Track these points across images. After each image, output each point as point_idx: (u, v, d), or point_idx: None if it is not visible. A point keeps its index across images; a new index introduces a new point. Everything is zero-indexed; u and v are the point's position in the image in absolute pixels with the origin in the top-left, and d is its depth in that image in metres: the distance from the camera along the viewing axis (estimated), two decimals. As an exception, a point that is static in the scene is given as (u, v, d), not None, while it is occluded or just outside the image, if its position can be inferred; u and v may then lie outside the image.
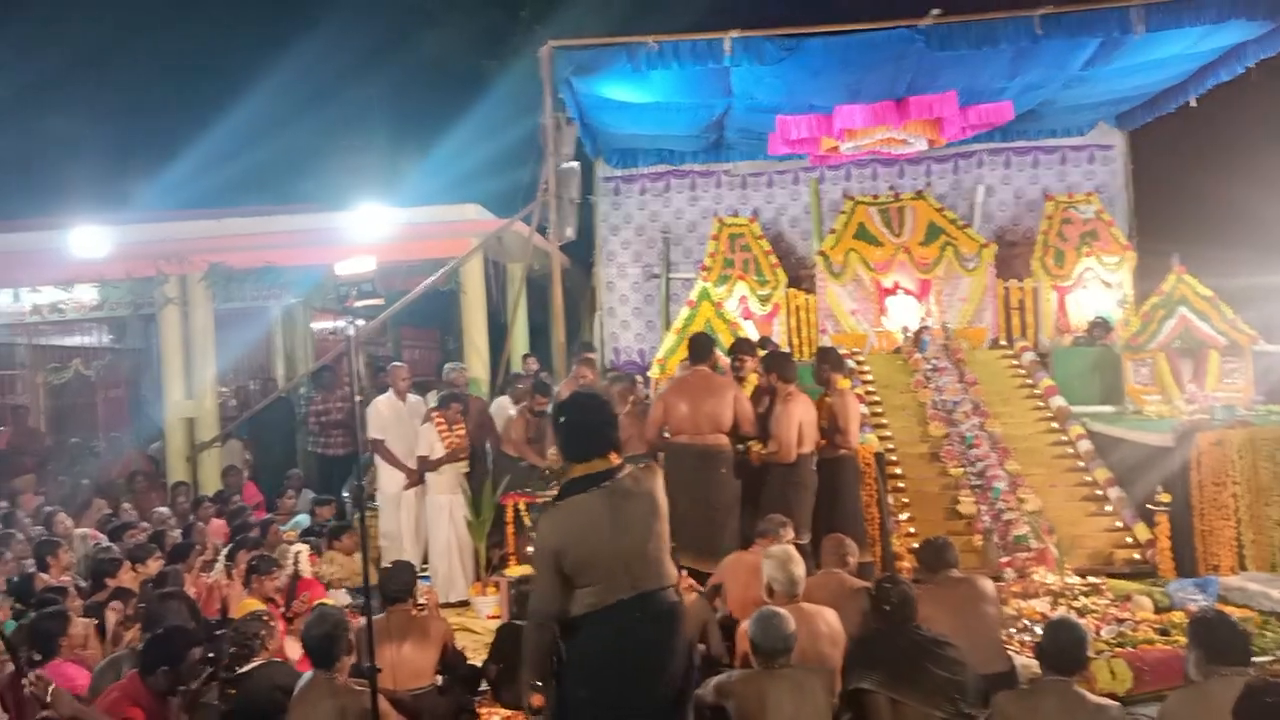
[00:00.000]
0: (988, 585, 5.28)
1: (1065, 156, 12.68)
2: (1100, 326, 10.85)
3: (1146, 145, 12.78)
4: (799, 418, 6.92)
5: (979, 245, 11.42)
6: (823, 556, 5.74)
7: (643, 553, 3.69)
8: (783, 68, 9.19)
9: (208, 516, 9.00)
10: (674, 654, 3.71)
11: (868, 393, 9.68)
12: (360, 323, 4.48)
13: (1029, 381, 9.90)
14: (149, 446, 12.25)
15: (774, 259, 11.99)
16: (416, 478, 8.48)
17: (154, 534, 8.02)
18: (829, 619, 4.79)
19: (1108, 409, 9.45)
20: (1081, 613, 6.38)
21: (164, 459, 11.45)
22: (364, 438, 8.42)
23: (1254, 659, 4.72)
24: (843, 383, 7.64)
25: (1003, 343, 11.16)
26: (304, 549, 7.08)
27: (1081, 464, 8.65)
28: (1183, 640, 5.83)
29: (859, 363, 10.29)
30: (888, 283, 11.44)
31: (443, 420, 8.41)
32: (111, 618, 5.86)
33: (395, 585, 5.56)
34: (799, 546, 5.60)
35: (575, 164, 10.43)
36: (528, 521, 7.87)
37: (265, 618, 5.18)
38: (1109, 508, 8.16)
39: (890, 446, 8.84)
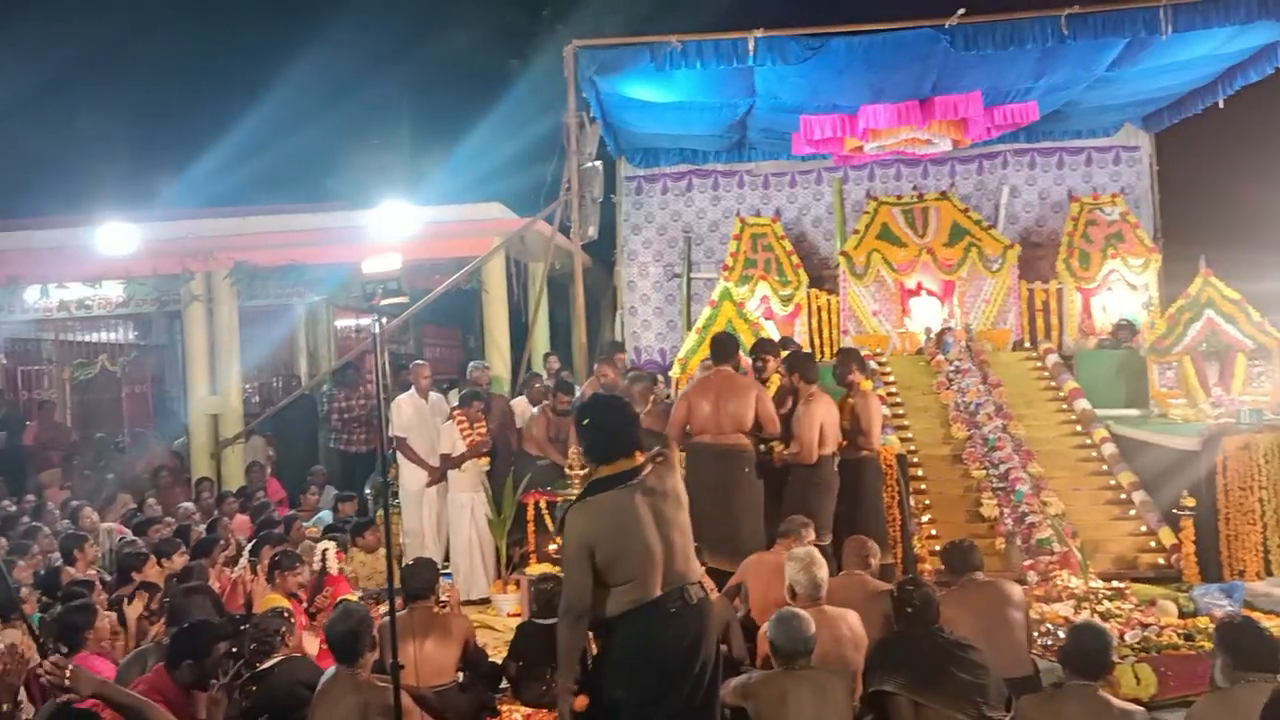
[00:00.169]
0: (1014, 589, 5.24)
1: (1091, 157, 12.59)
2: (1125, 329, 10.77)
3: (1173, 147, 12.67)
4: (821, 418, 6.90)
5: (1003, 246, 11.36)
6: (845, 558, 5.72)
7: (672, 548, 3.74)
8: (807, 67, 9.17)
9: (231, 512, 9.06)
10: (706, 647, 3.76)
11: (890, 394, 9.65)
12: (384, 320, 4.49)
13: (1053, 384, 9.84)
14: (173, 442, 12.35)
15: (796, 259, 11.96)
16: (438, 475, 8.51)
17: (179, 529, 8.08)
18: (852, 622, 4.78)
19: (1132, 412, 9.38)
20: (1105, 617, 6.34)
21: (188, 455, 11.55)
22: (387, 435, 8.45)
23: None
24: (865, 384, 7.61)
25: (1026, 345, 11.10)
26: (331, 546, 7.12)
27: (1106, 467, 8.58)
28: (1208, 646, 5.81)
29: (881, 364, 10.25)
30: (911, 284, 11.40)
31: (464, 418, 8.44)
32: (132, 614, 5.90)
33: (417, 583, 5.59)
34: (820, 548, 5.58)
35: (598, 163, 10.45)
36: (549, 520, 7.89)
37: (285, 614, 5.21)
38: (1133, 512, 8.10)
39: (912, 448, 8.80)
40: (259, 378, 14.76)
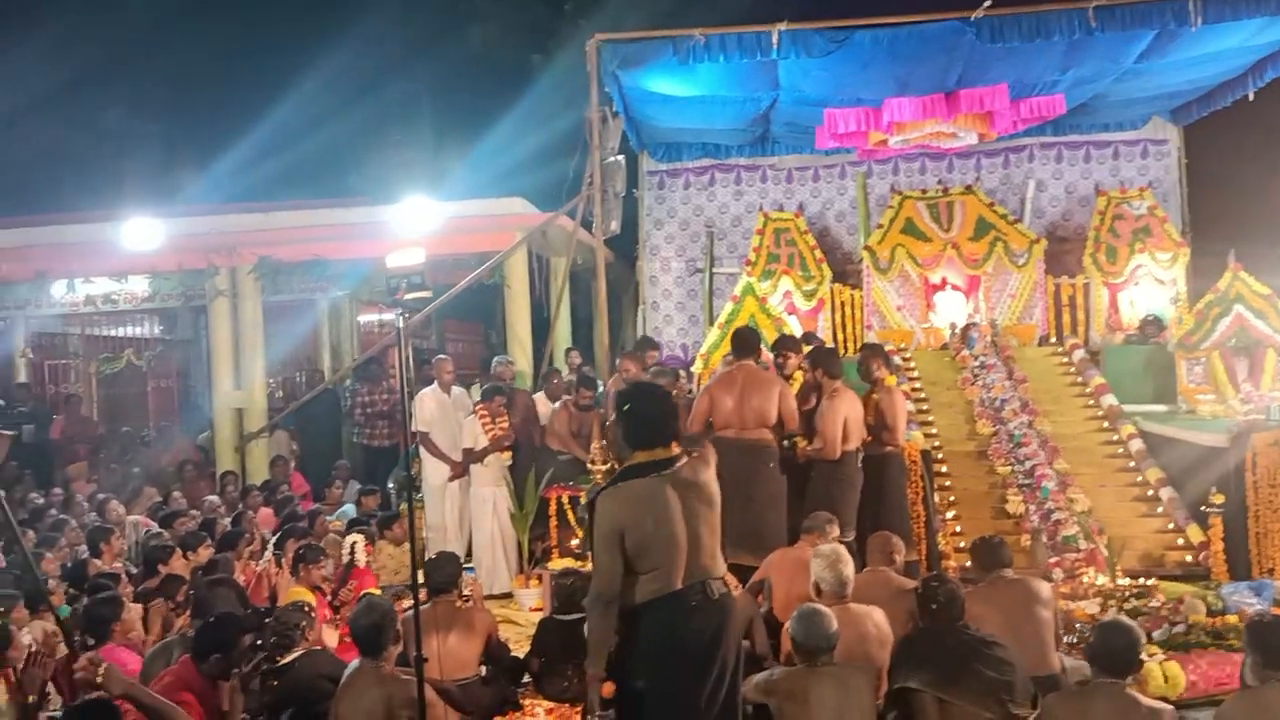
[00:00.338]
0: (1042, 587, 5.19)
1: (1118, 151, 12.46)
2: (1153, 324, 10.67)
3: (1202, 140, 12.52)
4: (844, 414, 6.86)
5: (1029, 241, 11.27)
6: (869, 554, 5.69)
7: (697, 542, 3.75)
8: (831, 60, 9.11)
9: (256, 505, 9.12)
10: (727, 643, 3.75)
11: (914, 389, 9.59)
12: (407, 315, 4.51)
13: (1079, 380, 9.75)
14: (198, 436, 12.44)
15: (819, 254, 11.90)
16: (461, 470, 8.53)
17: (204, 522, 8.14)
18: (877, 620, 4.75)
19: (1160, 408, 9.29)
20: (1132, 615, 6.26)
21: (213, 448, 11.63)
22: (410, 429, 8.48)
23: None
24: (889, 379, 7.57)
25: (1052, 340, 11.01)
26: (360, 539, 7.18)
27: (1133, 464, 8.50)
28: (1237, 644, 5.75)
29: (905, 359, 10.20)
30: (935, 278, 11.33)
31: (486, 413, 8.46)
32: (156, 618, 5.93)
33: (440, 576, 5.60)
34: (843, 544, 5.55)
35: (620, 158, 10.42)
36: (570, 515, 7.89)
37: (305, 607, 5.23)
38: (1161, 509, 8.02)
39: (936, 444, 8.75)
40: (283, 372, 14.84)
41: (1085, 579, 6.94)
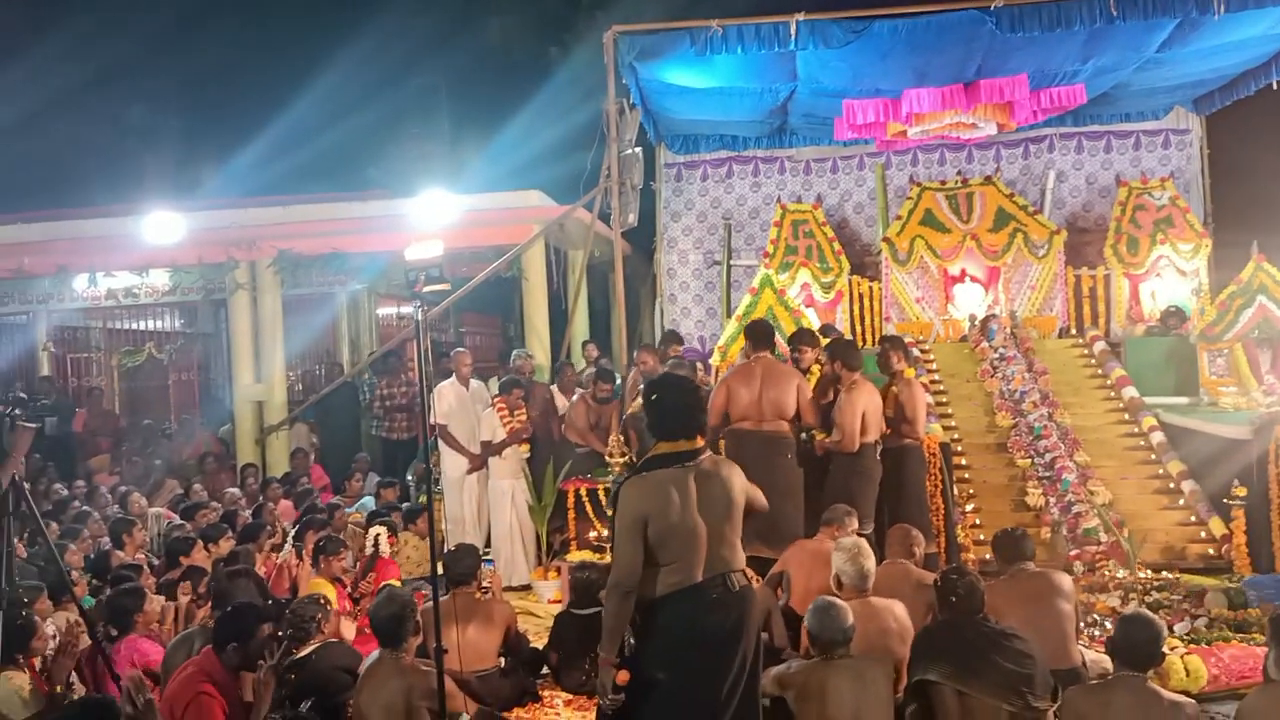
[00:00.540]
0: (1063, 580, 5.17)
1: (1139, 141, 12.37)
2: (1175, 315, 10.59)
3: (1224, 129, 12.41)
4: (863, 406, 6.83)
5: (1049, 232, 11.20)
6: (889, 546, 5.67)
7: (720, 534, 3.75)
8: (849, 51, 9.07)
9: (276, 498, 9.16)
10: (747, 636, 3.75)
11: (933, 382, 9.55)
12: (426, 307, 4.53)
13: (1100, 371, 9.69)
14: (219, 429, 12.51)
15: (838, 246, 11.87)
16: (479, 462, 8.55)
17: (225, 514, 8.19)
18: (898, 614, 4.73)
19: (1181, 400, 9.23)
20: (1154, 608, 6.24)
21: (233, 441, 11.70)
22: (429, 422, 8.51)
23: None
24: (908, 372, 7.54)
25: (1073, 332, 10.95)
26: (383, 530, 7.23)
27: (1154, 456, 8.45)
28: (1259, 638, 5.72)
29: (924, 351, 10.16)
30: (954, 270, 11.27)
31: (504, 405, 8.47)
32: (182, 599, 5.99)
33: (460, 568, 5.63)
34: (862, 537, 5.54)
35: (638, 150, 10.40)
36: (589, 507, 7.91)
37: (321, 600, 5.26)
38: (1182, 501, 7.97)
39: (956, 436, 8.72)
40: (302, 365, 14.91)
41: (1106, 572, 6.91)
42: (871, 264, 12.00)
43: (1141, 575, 6.86)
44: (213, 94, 20.26)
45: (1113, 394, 9.33)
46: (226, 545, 7.04)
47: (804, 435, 7.08)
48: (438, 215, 11.15)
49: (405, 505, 8.78)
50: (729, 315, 10.92)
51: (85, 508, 8.60)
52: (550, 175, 13.64)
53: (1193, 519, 7.81)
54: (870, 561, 4.85)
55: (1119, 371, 9.52)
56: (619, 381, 9.12)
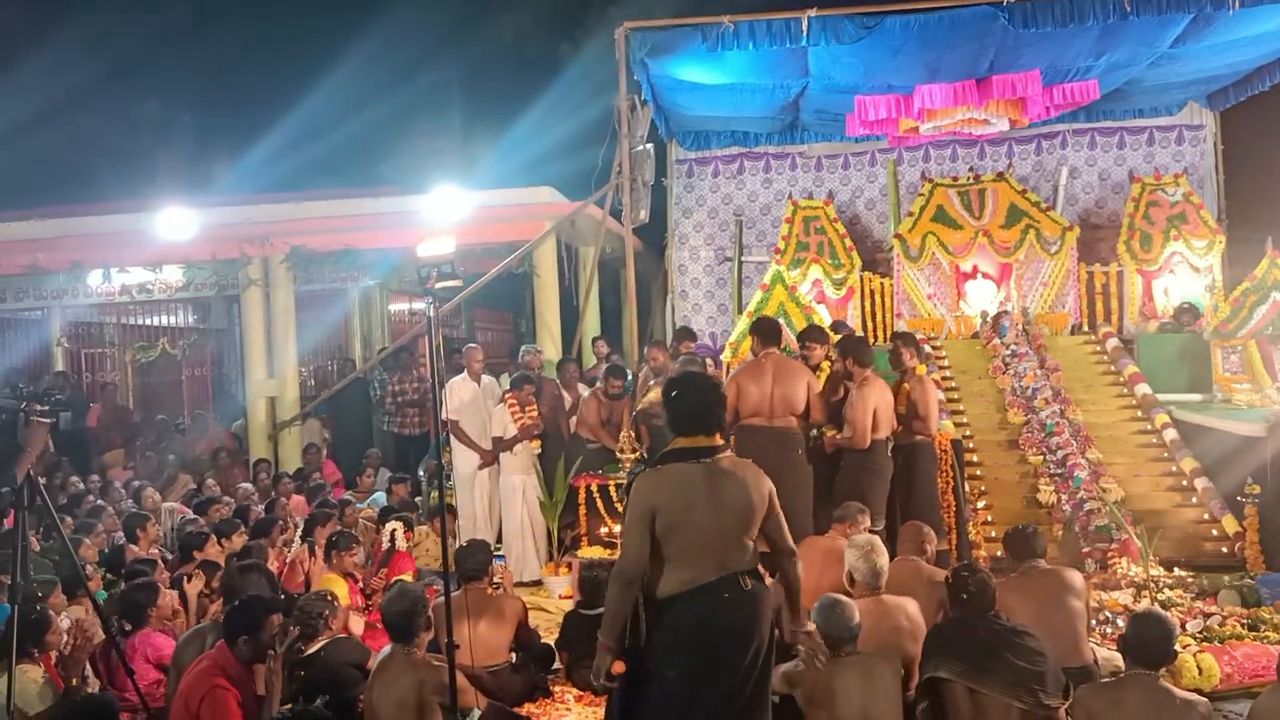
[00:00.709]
0: (1075, 577, 5.16)
1: (1153, 137, 12.30)
2: (1188, 312, 10.54)
3: (1238, 125, 12.33)
4: (874, 403, 6.83)
5: (1062, 228, 11.16)
6: (900, 543, 5.67)
7: (732, 534, 3.74)
8: (861, 47, 9.05)
9: (288, 493, 9.20)
10: (759, 635, 3.75)
11: (944, 379, 9.53)
12: (438, 303, 4.56)
13: (1113, 369, 9.66)
14: (232, 424, 12.57)
15: (849, 242, 11.84)
16: (491, 458, 8.57)
17: (238, 509, 8.22)
18: (910, 612, 4.72)
19: (1195, 397, 9.19)
20: (1166, 606, 6.22)
21: (246, 436, 11.75)
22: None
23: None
24: (920, 368, 7.53)
25: (1085, 329, 10.90)
26: (399, 526, 7.26)
27: (1167, 454, 8.42)
28: (1273, 636, 5.70)
29: (935, 348, 10.13)
30: (966, 266, 11.24)
31: (515, 402, 8.49)
32: (191, 592, 6.01)
33: (471, 564, 5.64)
34: (873, 534, 5.54)
35: (649, 146, 10.41)
36: (600, 503, 7.92)
37: (329, 596, 5.28)
38: (1195, 499, 7.94)
39: (967, 433, 8.70)
40: (314, 361, 14.97)
41: (1119, 569, 6.89)
42: (883, 260, 11.97)
43: (1154, 573, 6.83)
44: (225, 90, 20.35)
45: (1125, 391, 9.30)
46: (239, 540, 7.07)
47: (814, 432, 7.07)
48: (449, 211, 11.18)
49: (419, 500, 8.80)
50: (740, 312, 10.91)
51: (100, 502, 8.65)
52: (562, 172, 13.67)
53: (1206, 516, 7.78)
54: (883, 559, 4.85)
55: (1132, 368, 9.48)
56: (630, 378, 9.13)
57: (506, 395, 8.62)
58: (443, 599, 4.61)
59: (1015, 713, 4.16)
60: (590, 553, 7.48)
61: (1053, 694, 4.22)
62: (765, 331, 7.17)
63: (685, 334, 9.86)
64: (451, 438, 8.74)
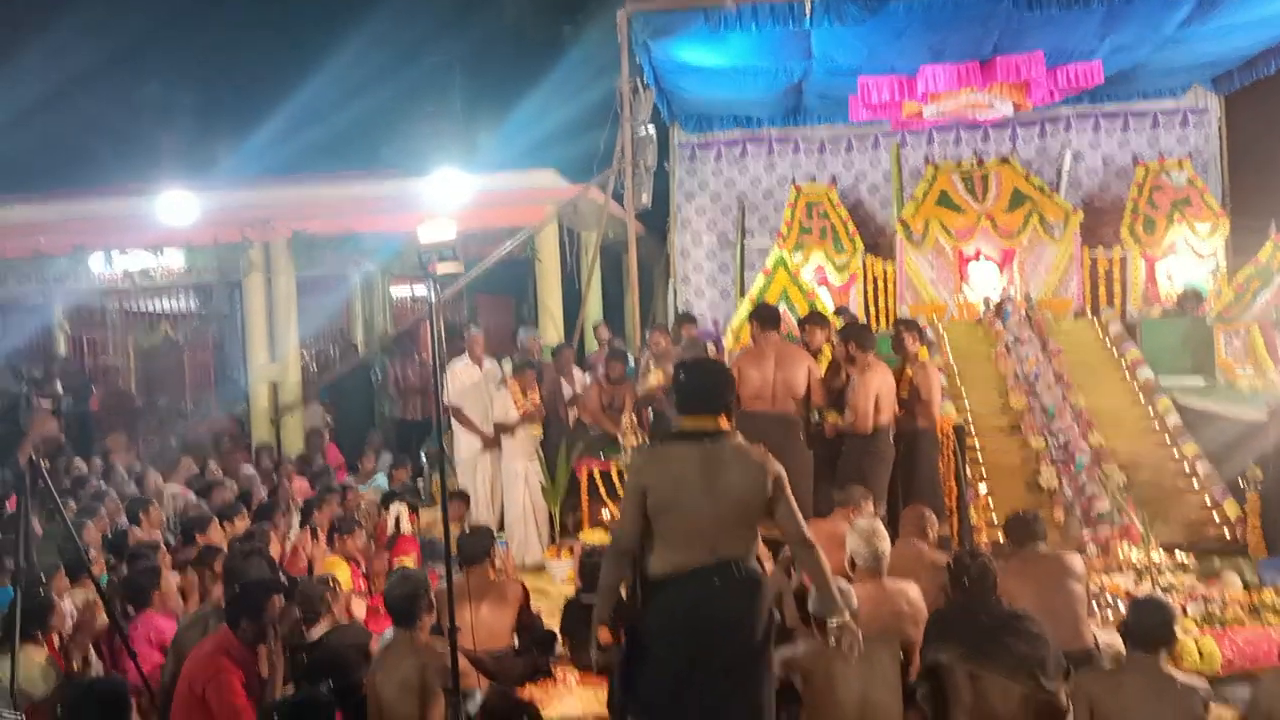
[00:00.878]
0: (1075, 561, 5.16)
1: (1157, 120, 12.24)
2: (1191, 297, 10.51)
3: (1243, 109, 12.26)
4: (876, 388, 6.82)
5: (1065, 212, 11.11)
6: (902, 527, 5.68)
7: (726, 520, 3.72)
8: (865, 29, 9.00)
9: (290, 476, 9.21)
10: (751, 623, 3.72)
11: (947, 363, 9.52)
12: (440, 287, 4.54)
13: (1115, 353, 9.64)
14: (234, 408, 12.58)
15: (852, 226, 11.79)
16: (492, 442, 8.57)
17: (241, 493, 8.24)
18: (912, 597, 4.72)
19: (1198, 382, 9.18)
20: (1167, 590, 6.23)
21: (248, 421, 11.76)
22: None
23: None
24: (923, 353, 7.52)
25: (1089, 313, 10.88)
26: (403, 508, 7.28)
27: (1169, 438, 8.41)
28: (1274, 620, 5.71)
29: (938, 333, 10.11)
30: (969, 251, 11.20)
31: (517, 387, 8.49)
32: (193, 588, 6.03)
33: (473, 548, 5.65)
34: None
35: (651, 129, 10.37)
36: (601, 488, 7.93)
37: (329, 581, 5.30)
38: (1197, 483, 7.94)
39: (969, 418, 8.69)
40: (316, 346, 14.97)
41: (1120, 554, 6.89)
42: (886, 245, 11.93)
43: (1155, 557, 6.84)
44: (227, 73, 20.27)
45: (1128, 375, 9.28)
46: (242, 523, 7.08)
47: (814, 417, 7.07)
48: (451, 195, 11.15)
49: (419, 483, 8.81)
50: (743, 296, 10.88)
51: (103, 485, 8.67)
52: (564, 155, 13.62)
53: (1207, 501, 7.78)
54: (885, 544, 4.85)
55: (1134, 353, 9.47)
56: (632, 363, 9.13)
57: (509, 380, 8.62)
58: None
59: (1016, 696, 4.17)
60: (591, 537, 7.49)
61: (1053, 678, 4.23)
62: (764, 317, 7.17)
63: (686, 319, 9.84)
64: (453, 422, 8.75)
